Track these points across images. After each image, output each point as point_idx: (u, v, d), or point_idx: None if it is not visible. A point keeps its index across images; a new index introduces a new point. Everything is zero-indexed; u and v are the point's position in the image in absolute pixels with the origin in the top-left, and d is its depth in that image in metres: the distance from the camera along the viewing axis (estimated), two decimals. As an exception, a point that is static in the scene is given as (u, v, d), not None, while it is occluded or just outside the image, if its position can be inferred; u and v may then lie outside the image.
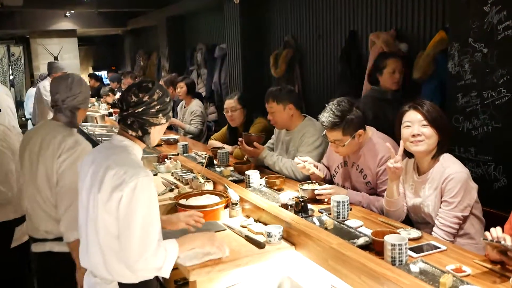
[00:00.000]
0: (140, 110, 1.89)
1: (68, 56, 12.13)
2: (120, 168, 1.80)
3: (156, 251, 1.79)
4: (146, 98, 1.89)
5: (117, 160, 1.84)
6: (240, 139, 3.53)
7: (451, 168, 2.30)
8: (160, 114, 1.93)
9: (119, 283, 1.87)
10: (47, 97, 6.08)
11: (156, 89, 1.92)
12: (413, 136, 2.34)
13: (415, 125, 2.34)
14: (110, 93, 8.73)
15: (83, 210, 1.94)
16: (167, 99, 1.96)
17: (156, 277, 2.34)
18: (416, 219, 2.50)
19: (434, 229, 2.31)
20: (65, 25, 11.39)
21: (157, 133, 1.98)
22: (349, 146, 2.70)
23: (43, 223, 2.42)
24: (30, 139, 2.49)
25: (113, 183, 1.78)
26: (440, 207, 2.32)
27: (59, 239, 2.39)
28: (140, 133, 1.93)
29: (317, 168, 2.92)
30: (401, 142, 2.39)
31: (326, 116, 2.68)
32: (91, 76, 10.91)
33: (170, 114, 2.01)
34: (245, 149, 3.47)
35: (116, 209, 1.78)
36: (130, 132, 1.93)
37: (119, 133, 1.98)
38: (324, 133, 2.77)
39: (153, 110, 1.90)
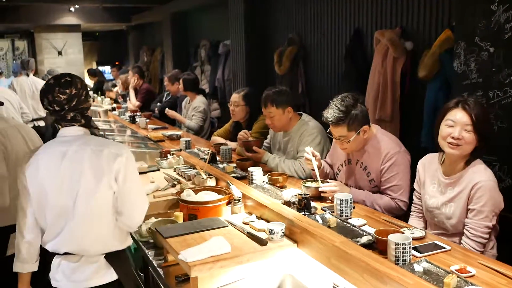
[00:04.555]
0: (74, 103, 2.01)
1: (72, 51, 12.16)
2: (106, 147, 2.00)
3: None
4: (74, 91, 2.01)
5: (97, 143, 2.03)
6: (239, 135, 3.63)
7: (482, 174, 2.22)
8: (88, 97, 2.10)
9: (107, 256, 2.05)
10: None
11: (75, 79, 2.05)
12: (453, 138, 2.23)
13: (458, 127, 2.22)
14: (113, 88, 8.71)
15: (63, 199, 1.99)
16: (84, 81, 2.11)
17: (157, 273, 2.33)
18: (430, 222, 2.44)
19: (464, 239, 2.24)
20: (70, 19, 11.40)
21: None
22: (354, 142, 2.68)
23: None
24: None
25: (108, 160, 1.97)
26: (467, 217, 2.24)
27: None
28: (84, 121, 2.07)
29: (321, 166, 2.90)
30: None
31: (330, 112, 2.66)
32: (89, 71, 10.88)
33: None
34: (246, 156, 3.49)
35: (115, 181, 1.99)
36: (76, 124, 2.06)
37: (67, 127, 2.06)
38: (328, 130, 2.76)
39: (83, 97, 2.05)
